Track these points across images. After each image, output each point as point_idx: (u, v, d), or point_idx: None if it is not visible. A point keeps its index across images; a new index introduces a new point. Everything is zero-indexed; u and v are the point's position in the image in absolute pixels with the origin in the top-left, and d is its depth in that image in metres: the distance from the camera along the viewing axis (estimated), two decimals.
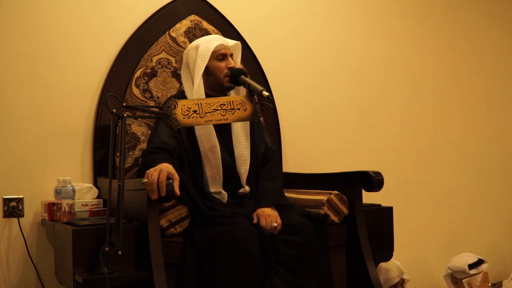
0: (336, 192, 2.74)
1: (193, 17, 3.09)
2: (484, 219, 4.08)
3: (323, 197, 2.73)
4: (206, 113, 2.40)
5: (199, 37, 3.00)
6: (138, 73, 2.94)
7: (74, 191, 2.63)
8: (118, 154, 2.77)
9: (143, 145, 2.85)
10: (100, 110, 2.92)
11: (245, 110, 2.47)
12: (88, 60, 2.95)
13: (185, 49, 2.88)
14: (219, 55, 2.72)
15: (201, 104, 2.39)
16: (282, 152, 3.31)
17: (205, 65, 2.70)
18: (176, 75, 3.00)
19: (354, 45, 3.67)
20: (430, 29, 3.94)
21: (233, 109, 2.45)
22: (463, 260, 3.41)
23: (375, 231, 2.84)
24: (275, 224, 2.47)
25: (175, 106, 2.35)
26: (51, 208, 2.68)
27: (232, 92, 2.77)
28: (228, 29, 3.17)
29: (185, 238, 2.42)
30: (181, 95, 2.75)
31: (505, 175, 4.18)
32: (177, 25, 3.05)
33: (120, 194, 2.23)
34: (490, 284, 3.39)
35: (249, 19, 3.33)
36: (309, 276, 2.43)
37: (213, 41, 2.75)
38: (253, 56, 3.25)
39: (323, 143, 3.54)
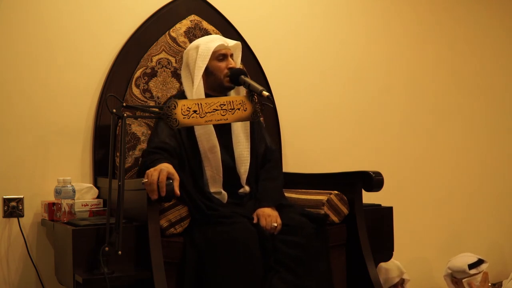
0: (336, 192, 2.74)
1: (193, 17, 3.09)
2: (484, 219, 4.08)
3: (323, 197, 2.73)
4: (206, 113, 2.40)
5: (199, 37, 3.00)
6: (138, 73, 2.95)
7: (74, 191, 2.63)
8: (118, 154, 2.77)
9: (143, 145, 2.85)
10: (100, 110, 2.92)
11: (245, 110, 2.47)
12: (88, 60, 2.95)
13: (185, 49, 2.89)
14: (219, 55, 2.72)
15: (201, 104, 2.39)
16: (282, 152, 3.31)
17: (205, 65, 2.70)
18: (176, 75, 3.00)
19: (354, 45, 3.67)
20: (430, 29, 3.94)
21: (233, 109, 2.45)
22: (463, 260, 3.41)
23: (375, 231, 2.84)
24: (275, 224, 2.47)
25: (175, 106, 2.35)
26: (51, 208, 2.68)
27: (232, 92, 2.77)
28: (228, 29, 3.17)
29: (185, 238, 2.42)
30: (181, 95, 2.75)
31: (505, 175, 4.18)
32: (177, 25, 3.05)
33: (120, 194, 2.23)
34: (490, 284, 3.39)
35: (249, 19, 3.33)
36: (309, 276, 2.43)
37: (213, 41, 2.75)
38: (253, 56, 3.25)
39: (323, 143, 3.54)
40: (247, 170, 2.71)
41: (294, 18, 3.50)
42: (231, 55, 2.76)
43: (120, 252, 2.20)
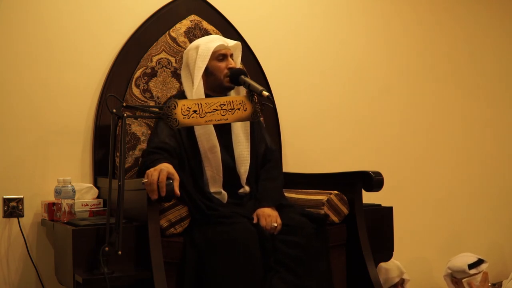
0: (336, 192, 2.74)
1: (193, 17, 3.09)
2: (484, 219, 4.08)
3: (323, 197, 2.73)
4: (206, 113, 2.40)
5: (199, 37, 3.00)
6: (138, 73, 2.94)
7: (74, 191, 2.63)
8: (118, 154, 2.77)
9: (143, 145, 2.85)
10: (100, 110, 2.92)
11: (245, 110, 2.47)
12: (88, 60, 2.95)
13: (185, 49, 2.89)
14: (219, 55, 2.72)
15: (201, 104, 2.39)
16: (282, 152, 3.31)
17: (205, 65, 2.70)
18: (176, 75, 3.00)
19: (354, 45, 3.67)
20: (430, 29, 3.94)
21: (233, 109, 2.45)
22: (463, 260, 3.41)
23: (375, 231, 2.84)
24: (275, 224, 2.47)
25: (175, 106, 2.35)
26: (51, 208, 2.68)
27: (232, 92, 2.77)
28: (228, 29, 3.17)
29: (185, 238, 2.42)
30: (181, 95, 2.75)
31: (505, 175, 4.18)
32: (177, 25, 3.05)
33: (120, 194, 2.23)
34: (490, 284, 3.39)
35: (249, 19, 3.33)
36: (309, 276, 2.42)
37: (213, 41, 2.75)
38: (253, 56, 3.25)
39: (323, 143, 3.54)
40: (247, 170, 2.71)
41: (294, 18, 3.50)
42: (231, 55, 2.76)
43: (120, 252, 2.20)
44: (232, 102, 2.45)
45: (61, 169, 2.86)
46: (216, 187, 2.65)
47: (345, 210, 2.75)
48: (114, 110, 2.29)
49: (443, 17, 3.99)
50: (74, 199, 2.63)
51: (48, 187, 2.80)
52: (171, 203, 2.42)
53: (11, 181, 2.79)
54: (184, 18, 3.08)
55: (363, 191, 2.76)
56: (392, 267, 3.29)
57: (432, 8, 3.95)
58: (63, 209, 2.59)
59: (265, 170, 2.78)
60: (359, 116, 3.67)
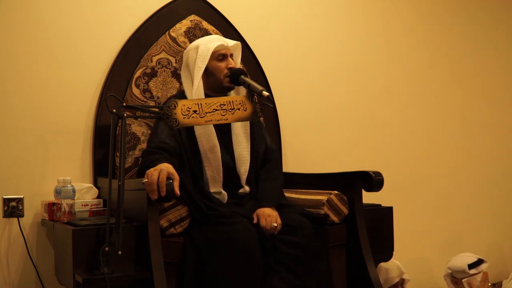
0: (336, 192, 2.74)
1: (193, 17, 3.09)
2: (484, 219, 4.08)
3: (323, 197, 2.73)
4: (206, 113, 2.40)
5: (199, 37, 3.00)
6: (138, 73, 2.94)
7: (74, 191, 2.63)
8: (118, 154, 2.77)
9: (143, 145, 2.85)
10: (100, 110, 2.92)
11: (245, 110, 2.47)
12: (88, 60, 2.95)
13: (185, 49, 2.88)
14: (219, 55, 2.72)
15: (201, 104, 2.39)
16: (282, 152, 3.31)
17: (205, 65, 2.70)
18: (176, 75, 3.00)
19: (354, 45, 3.67)
20: (430, 29, 3.94)
21: (233, 109, 2.45)
22: (463, 260, 3.41)
23: (375, 231, 2.84)
24: (275, 224, 2.47)
25: (175, 106, 2.35)
26: (51, 208, 2.68)
27: (232, 92, 2.77)
28: (228, 29, 3.17)
29: (185, 238, 2.42)
30: (181, 95, 2.75)
31: (505, 175, 4.18)
32: (177, 25, 3.05)
33: (120, 194, 2.23)
34: (490, 284, 3.39)
35: (249, 19, 3.33)
36: (309, 276, 2.42)
37: (213, 41, 2.75)
38: (253, 56, 3.25)
39: (323, 143, 3.54)
40: (247, 170, 2.71)
41: (294, 18, 3.50)
42: (231, 55, 2.76)
43: (120, 252, 2.20)
44: (232, 102, 2.45)
45: (61, 169, 2.86)
46: (216, 187, 2.65)
47: (345, 210, 2.75)
48: (114, 110, 2.29)
49: (443, 17, 3.99)
50: (74, 199, 2.63)
51: (48, 187, 2.80)
52: (171, 203, 2.42)
53: (11, 181, 2.79)
54: (184, 18, 3.08)
55: (363, 191, 2.76)
56: (392, 267, 3.29)
57: (432, 8, 3.95)
58: (63, 209, 2.59)
59: (265, 170, 2.78)
60: (359, 116, 3.67)
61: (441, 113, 3.96)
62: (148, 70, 2.96)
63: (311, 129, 3.52)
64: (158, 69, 2.98)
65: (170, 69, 3.00)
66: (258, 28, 3.36)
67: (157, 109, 2.47)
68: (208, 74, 2.72)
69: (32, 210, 2.82)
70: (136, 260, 2.33)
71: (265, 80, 3.26)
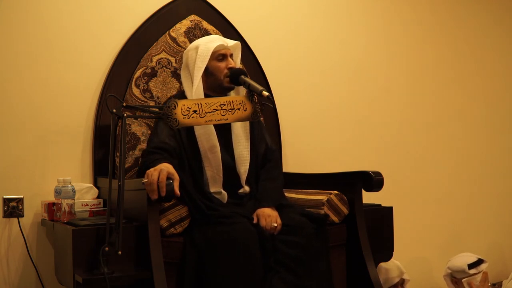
0: (336, 192, 2.74)
1: (193, 17, 3.09)
2: (484, 219, 4.08)
3: (323, 197, 2.73)
4: (206, 113, 2.40)
5: (199, 37, 3.00)
6: (138, 73, 2.94)
7: (74, 191, 2.63)
8: (118, 154, 2.77)
9: (143, 145, 2.85)
10: (100, 110, 2.92)
11: (245, 110, 2.47)
12: (88, 60, 2.95)
13: (185, 49, 2.89)
14: (219, 55, 2.72)
15: (201, 104, 2.39)
16: (282, 152, 3.31)
17: (204, 65, 2.70)
18: (176, 75, 3.00)
19: (354, 45, 3.67)
20: (430, 29, 3.94)
21: (233, 109, 2.45)
22: (463, 259, 3.41)
23: (375, 231, 2.84)
24: (275, 224, 2.47)
25: (175, 106, 2.35)
26: (51, 208, 2.68)
27: (232, 92, 2.77)
28: (228, 29, 3.17)
29: (185, 238, 2.42)
30: (181, 95, 2.75)
31: (505, 175, 4.18)
32: (177, 25, 3.05)
33: (120, 194, 2.23)
34: (490, 284, 3.39)
35: (249, 19, 3.33)
36: (309, 276, 2.42)
37: (213, 41, 2.75)
38: (253, 56, 3.25)
39: (323, 143, 3.54)
40: (247, 170, 2.71)
41: (294, 18, 3.50)
42: (231, 55, 2.76)
43: (120, 252, 2.20)
44: (232, 102, 2.45)
45: (61, 169, 2.86)
46: (216, 187, 2.65)
47: (345, 210, 2.75)
48: (114, 110, 2.29)
49: (444, 17, 3.99)
50: (74, 199, 2.63)
51: (48, 187, 2.80)
52: (171, 203, 2.42)
53: (11, 181, 2.79)
54: (184, 18, 3.08)
55: (363, 191, 2.76)
56: (392, 267, 3.29)
57: (432, 8, 3.95)
58: (63, 209, 2.59)
59: (265, 170, 2.78)
60: (359, 116, 3.67)
61: (441, 113, 3.96)
62: (148, 70, 2.96)
63: (311, 129, 3.52)
64: (158, 69, 2.98)
65: (170, 69, 3.00)
66: (258, 28, 3.36)
67: (157, 109, 2.47)
68: (208, 74, 2.72)
69: (32, 210, 2.82)
70: (136, 260, 2.33)
71: (265, 80, 3.26)
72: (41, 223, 2.81)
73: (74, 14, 2.94)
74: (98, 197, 2.84)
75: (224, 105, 2.43)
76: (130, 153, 2.87)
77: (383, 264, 3.22)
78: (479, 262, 3.40)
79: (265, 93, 2.48)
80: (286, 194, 2.81)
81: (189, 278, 2.34)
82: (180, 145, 2.63)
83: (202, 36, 2.99)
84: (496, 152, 4.15)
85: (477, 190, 4.07)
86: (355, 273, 2.73)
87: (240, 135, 2.73)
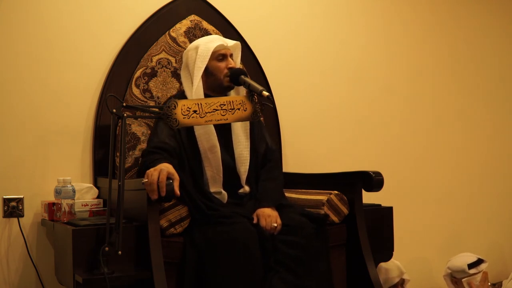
0: (336, 192, 2.74)
1: (193, 17, 3.09)
2: (484, 219, 4.08)
3: (323, 197, 2.73)
4: (206, 113, 2.40)
5: (199, 37, 3.00)
6: (138, 73, 2.94)
7: (74, 191, 2.63)
8: (118, 154, 2.77)
9: (143, 145, 2.85)
10: (100, 110, 2.92)
11: (245, 110, 2.47)
12: (88, 60, 2.95)
13: (185, 49, 2.89)
14: (219, 55, 2.72)
15: (201, 104, 2.39)
16: (282, 152, 3.31)
17: (204, 65, 2.70)
18: (176, 75, 3.00)
19: (354, 45, 3.67)
20: (430, 29, 3.94)
21: (233, 109, 2.45)
22: (463, 259, 3.41)
23: (375, 231, 2.84)
24: (275, 224, 2.47)
25: (175, 106, 2.35)
26: (51, 208, 2.68)
27: (232, 92, 2.77)
28: (228, 29, 3.17)
29: (185, 238, 2.42)
30: (181, 95, 2.75)
31: (505, 175, 4.18)
32: (177, 25, 3.05)
33: (120, 194, 2.23)
34: (489, 284, 3.39)
35: (249, 19, 3.33)
36: (309, 276, 2.42)
37: (213, 41, 2.75)
38: (253, 56, 3.25)
39: (323, 143, 3.54)
40: (247, 170, 2.71)
41: (294, 18, 3.50)
42: (231, 55, 2.76)
43: (120, 252, 2.20)
44: (232, 102, 2.45)
45: (61, 169, 2.86)
46: (216, 187, 2.65)
47: (345, 210, 2.75)
48: (114, 110, 2.29)
49: (443, 17, 3.99)
50: (74, 199, 2.63)
51: (48, 187, 2.80)
52: (171, 203, 2.42)
53: (11, 181, 2.79)
54: (184, 18, 3.08)
55: (363, 191, 2.76)
56: (392, 267, 3.29)
57: (432, 8, 3.95)
58: (63, 209, 2.59)
59: (266, 170, 2.78)
60: (359, 116, 3.67)
61: (441, 113, 3.96)
62: (148, 70, 2.96)
63: (311, 129, 3.52)
64: (158, 69, 2.98)
65: (170, 69, 3.00)
66: (258, 28, 3.36)
67: (157, 109, 2.47)
68: (208, 74, 2.72)
69: (32, 210, 2.82)
70: (136, 260, 2.33)
71: (265, 80, 3.26)
72: (41, 223, 2.81)
73: (74, 14, 2.94)
74: (98, 197, 2.84)
75: (224, 105, 2.43)
76: (130, 153, 2.87)
77: (383, 264, 3.22)
78: (479, 262, 3.40)
79: (265, 93, 2.48)
80: (286, 194, 2.81)
81: (189, 278, 2.34)
82: (180, 145, 2.63)
83: (202, 36, 2.99)
84: (496, 152, 4.15)
85: (477, 190, 4.07)
86: (355, 273, 2.73)
87: (240, 135, 2.73)
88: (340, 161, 3.53)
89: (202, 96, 2.66)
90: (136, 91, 2.93)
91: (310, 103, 3.52)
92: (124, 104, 2.39)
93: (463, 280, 3.37)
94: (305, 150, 3.48)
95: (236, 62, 2.80)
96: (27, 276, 2.80)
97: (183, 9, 3.10)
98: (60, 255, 2.53)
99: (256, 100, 2.49)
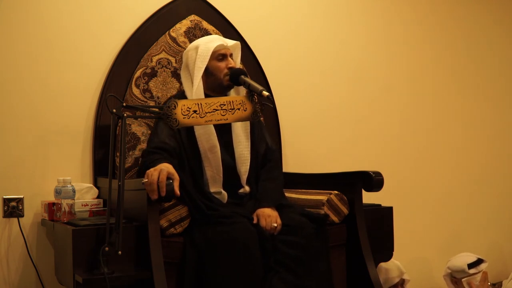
0: (336, 192, 2.74)
1: (193, 17, 3.09)
2: (484, 219, 4.08)
3: (323, 197, 2.73)
4: (206, 113, 2.40)
5: (199, 37, 3.00)
6: (138, 73, 2.94)
7: (74, 191, 2.63)
8: (118, 154, 2.77)
9: (143, 145, 2.85)
10: (100, 110, 2.92)
11: (245, 110, 2.47)
12: (88, 60, 2.95)
13: (185, 49, 2.89)
14: (219, 55, 2.72)
15: (201, 104, 2.40)
16: (282, 152, 3.31)
17: (205, 65, 2.70)
18: (176, 75, 3.00)
19: (354, 45, 3.67)
20: (430, 29, 3.94)
21: (233, 109, 2.45)
22: (463, 259, 3.41)
23: (375, 231, 2.84)
24: (275, 225, 2.47)
25: (175, 106, 2.35)
26: (51, 208, 2.68)
27: (232, 92, 2.77)
28: (228, 29, 3.17)
29: (185, 238, 2.42)
30: (181, 95, 2.75)
31: (505, 175, 4.18)
32: (177, 25, 3.05)
33: (120, 194, 2.23)
34: (489, 284, 3.39)
35: (249, 19, 3.33)
36: (309, 276, 2.42)
37: (213, 41, 2.75)
38: (253, 56, 3.25)
39: (323, 143, 3.54)
40: (248, 170, 2.71)
41: (294, 18, 3.50)
42: (231, 55, 2.76)
43: (120, 252, 2.20)
44: (232, 102, 2.45)
45: (61, 169, 2.86)
46: (216, 187, 2.65)
47: (345, 210, 2.75)
48: (114, 110, 2.29)
49: (443, 17, 3.99)
50: (74, 199, 2.63)
51: (48, 187, 2.80)
52: (171, 203, 2.42)
53: (11, 181, 2.79)
54: (184, 18, 3.08)
55: (363, 191, 2.76)
56: (392, 267, 3.29)
57: (432, 8, 3.95)
58: (63, 209, 2.59)
59: (266, 170, 2.78)
60: (359, 116, 3.67)
61: (441, 113, 3.96)
62: (148, 70, 2.96)
63: (311, 129, 3.52)
64: (158, 69, 2.98)
65: (170, 69, 3.00)
66: (258, 28, 3.36)
67: (157, 109, 2.47)
68: (208, 74, 2.72)
69: (32, 210, 2.82)
70: (136, 260, 2.33)
71: (265, 80, 3.26)
72: (41, 223, 2.81)
73: (74, 14, 2.94)
74: (98, 197, 2.84)
75: (224, 105, 2.43)
76: (130, 153, 2.87)
77: (383, 264, 3.22)
78: (479, 262, 3.40)
79: (265, 93, 2.48)
80: (286, 194, 2.81)
81: (189, 278, 2.34)
82: (180, 145, 2.63)
83: (202, 36, 2.99)
84: (496, 152, 4.15)
85: (477, 190, 4.07)
86: (355, 273, 2.73)
87: (241, 135, 2.73)
88: (340, 161, 3.53)
89: (203, 96, 2.66)
90: (136, 91, 2.93)
91: (310, 103, 3.52)
92: (124, 104, 2.39)
93: (463, 280, 3.37)
94: (305, 150, 3.48)
95: (236, 62, 2.80)
96: (27, 276, 2.80)
97: (183, 9, 3.10)
98: (60, 255, 2.53)
99: (256, 100, 2.49)
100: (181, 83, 2.87)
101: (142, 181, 2.25)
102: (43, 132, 2.86)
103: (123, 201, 2.23)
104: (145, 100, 2.93)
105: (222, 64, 2.72)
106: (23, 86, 2.83)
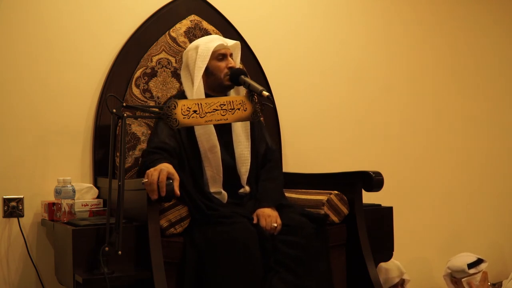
0: (336, 192, 2.74)
1: (193, 17, 3.09)
2: (484, 219, 4.08)
3: (323, 197, 2.73)
4: (206, 113, 2.40)
5: (199, 37, 3.00)
6: (138, 73, 2.94)
7: (74, 191, 2.63)
8: (118, 154, 2.77)
9: (143, 145, 2.85)
10: (100, 110, 2.92)
11: (245, 110, 2.47)
12: (88, 60, 2.95)
13: (185, 49, 2.89)
14: (219, 55, 2.73)
15: (201, 104, 2.40)
16: (282, 152, 3.31)
17: (205, 65, 2.70)
18: (176, 75, 3.00)
19: (354, 45, 3.67)
20: (430, 29, 3.94)
21: (233, 109, 2.45)
22: (462, 259, 3.41)
23: (375, 231, 2.84)
24: (275, 225, 2.47)
25: (175, 106, 2.35)
26: (51, 208, 2.68)
27: (232, 92, 2.77)
28: (228, 29, 3.17)
29: (185, 238, 2.42)
30: (181, 95, 2.75)
31: (505, 175, 4.18)
32: (177, 25, 3.05)
33: (120, 194, 2.23)
34: (489, 284, 3.39)
35: (249, 19, 3.33)
36: (309, 276, 2.42)
37: (213, 41, 2.75)
38: (253, 56, 3.25)
39: (323, 143, 3.54)
40: (248, 170, 2.71)
41: (294, 18, 3.50)
42: (231, 55, 2.76)
43: (120, 252, 2.20)
44: (232, 102, 2.45)
45: (61, 169, 2.86)
46: (216, 187, 2.65)
47: (345, 210, 2.75)
48: (114, 110, 2.29)
49: (443, 17, 3.99)
50: (74, 199, 2.63)
51: (48, 187, 2.80)
52: (171, 203, 2.42)
53: (11, 181, 2.79)
54: (184, 18, 3.08)
55: (363, 191, 2.76)
56: (392, 267, 3.29)
57: (432, 8, 3.95)
58: (63, 209, 2.59)
59: (266, 170, 2.78)
60: (359, 116, 3.67)
61: (441, 113, 3.96)
62: (148, 70, 2.96)
63: (311, 129, 3.52)
64: (158, 69, 2.98)
65: (170, 69, 3.00)
66: (258, 28, 3.36)
67: (157, 109, 2.47)
68: (208, 74, 2.72)
69: (32, 210, 2.82)
70: (136, 260, 2.33)
71: (265, 80, 3.26)
72: (41, 223, 2.81)
73: (74, 14, 2.94)
74: (98, 197, 2.84)
75: (224, 105, 2.43)
76: (130, 153, 2.87)
77: (383, 264, 3.22)
78: (479, 262, 3.40)
79: (265, 93, 2.48)
80: (286, 194, 2.81)
81: (189, 278, 2.34)
82: (180, 145, 2.63)
83: (202, 36, 2.99)
84: (496, 152, 4.15)
85: (477, 190, 4.07)
86: (355, 273, 2.73)
87: (241, 135, 2.73)
88: (340, 161, 3.53)
89: (203, 95, 2.66)
90: (136, 91, 2.93)
91: (310, 103, 3.52)
92: (124, 104, 2.39)
93: (463, 280, 3.37)
94: (305, 150, 3.48)
95: (236, 61, 2.80)
96: (27, 276, 2.80)
97: (183, 9, 3.10)
98: (60, 255, 2.53)
99: (256, 100, 2.49)
100: (181, 83, 2.87)
101: (142, 181, 2.25)
102: (43, 132, 2.86)
103: (123, 201, 2.23)
104: (145, 100, 2.93)
105: (222, 64, 2.72)
106: (23, 86, 2.83)
